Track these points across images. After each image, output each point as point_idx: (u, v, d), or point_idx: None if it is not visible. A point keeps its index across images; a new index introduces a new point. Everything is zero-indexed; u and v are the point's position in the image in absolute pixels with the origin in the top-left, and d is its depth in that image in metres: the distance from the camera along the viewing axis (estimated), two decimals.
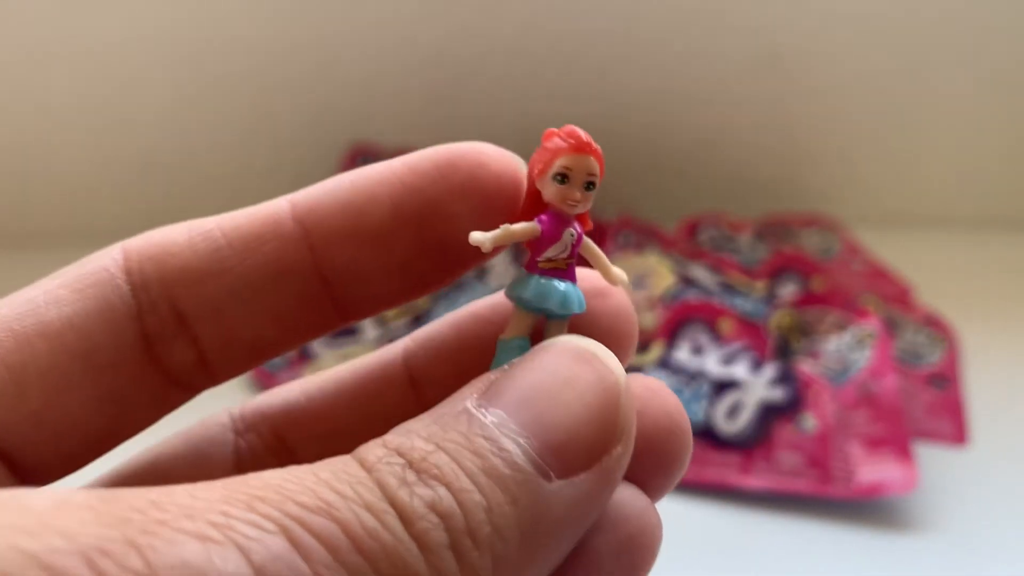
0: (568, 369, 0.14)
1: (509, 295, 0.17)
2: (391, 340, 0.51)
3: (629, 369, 0.15)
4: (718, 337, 0.48)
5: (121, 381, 0.16)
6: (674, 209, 0.61)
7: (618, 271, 0.17)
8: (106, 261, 0.16)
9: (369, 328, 0.52)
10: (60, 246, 0.61)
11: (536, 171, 0.17)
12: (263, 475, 0.13)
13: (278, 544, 0.12)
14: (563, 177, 0.16)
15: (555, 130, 0.17)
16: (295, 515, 0.12)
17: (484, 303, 0.18)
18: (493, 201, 0.17)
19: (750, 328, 0.49)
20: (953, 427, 0.47)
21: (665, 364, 0.47)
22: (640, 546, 0.15)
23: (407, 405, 0.18)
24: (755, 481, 0.43)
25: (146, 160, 0.60)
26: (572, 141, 0.16)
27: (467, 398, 0.14)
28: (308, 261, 0.16)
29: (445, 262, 0.17)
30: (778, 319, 0.50)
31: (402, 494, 0.13)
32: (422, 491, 0.13)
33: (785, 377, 0.45)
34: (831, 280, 0.55)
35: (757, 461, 0.44)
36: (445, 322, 0.18)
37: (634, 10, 0.58)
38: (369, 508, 0.12)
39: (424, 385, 0.18)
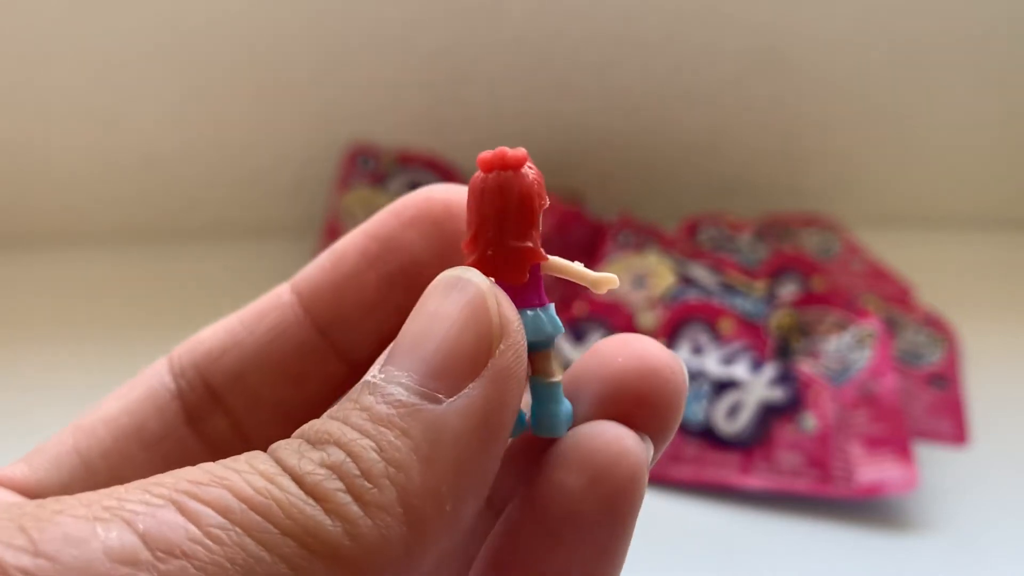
0: (436, 303, 0.15)
1: (549, 335, 0.16)
2: None
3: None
4: (718, 337, 0.48)
5: (170, 453, 0.19)
6: (674, 209, 0.61)
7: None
8: (156, 363, 0.19)
9: None
10: (60, 246, 0.61)
11: (543, 204, 0.16)
12: (174, 471, 0.13)
13: (166, 513, 0.12)
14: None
15: (508, 153, 0.16)
16: (186, 489, 0.13)
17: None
18: (442, 225, 0.18)
19: (750, 328, 0.49)
20: (953, 427, 0.47)
21: None
22: (615, 480, 0.15)
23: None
24: (755, 481, 0.43)
25: (146, 160, 0.60)
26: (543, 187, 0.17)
27: (370, 369, 0.15)
28: (303, 319, 0.19)
29: (412, 289, 0.18)
30: (778, 319, 0.50)
31: (293, 460, 0.13)
32: (312, 454, 0.14)
33: (785, 377, 0.45)
34: (831, 280, 0.55)
35: (757, 461, 0.44)
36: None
37: (634, 10, 0.58)
38: (262, 475, 0.13)
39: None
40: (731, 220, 0.60)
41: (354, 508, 0.13)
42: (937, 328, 0.52)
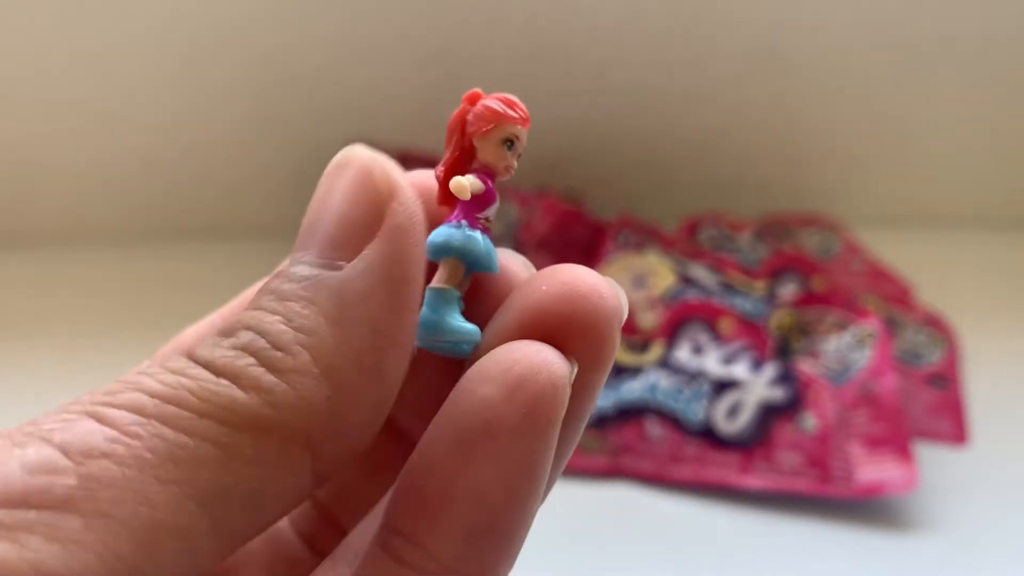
0: (326, 186, 0.15)
1: (454, 247, 0.17)
2: None
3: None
4: (718, 337, 0.48)
5: None
6: (674, 209, 0.61)
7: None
8: (142, 365, 0.19)
9: None
10: (60, 246, 0.61)
11: (477, 129, 0.17)
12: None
13: (82, 423, 0.12)
14: (510, 144, 0.17)
15: (483, 93, 0.17)
16: (99, 400, 0.13)
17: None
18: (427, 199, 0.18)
19: (750, 328, 0.49)
20: (953, 427, 0.47)
21: (665, 364, 0.47)
22: (534, 389, 0.14)
23: None
24: (755, 481, 0.43)
25: (146, 160, 0.60)
26: (522, 114, 0.17)
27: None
28: None
29: None
30: (778, 319, 0.50)
31: (204, 351, 0.14)
32: (224, 342, 0.14)
33: (785, 377, 0.45)
34: (831, 280, 0.55)
35: (757, 461, 0.44)
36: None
37: (634, 10, 0.58)
38: (172, 371, 0.13)
39: None
40: (731, 220, 0.60)
41: (268, 377, 0.13)
42: (937, 328, 0.52)
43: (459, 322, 0.16)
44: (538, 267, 0.17)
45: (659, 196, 0.63)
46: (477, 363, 0.15)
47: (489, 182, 0.17)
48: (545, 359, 0.14)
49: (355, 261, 0.14)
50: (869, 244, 0.59)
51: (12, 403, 0.49)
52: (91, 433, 0.12)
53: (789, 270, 0.55)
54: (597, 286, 0.15)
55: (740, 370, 0.46)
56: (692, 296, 0.50)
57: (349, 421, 0.14)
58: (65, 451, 0.12)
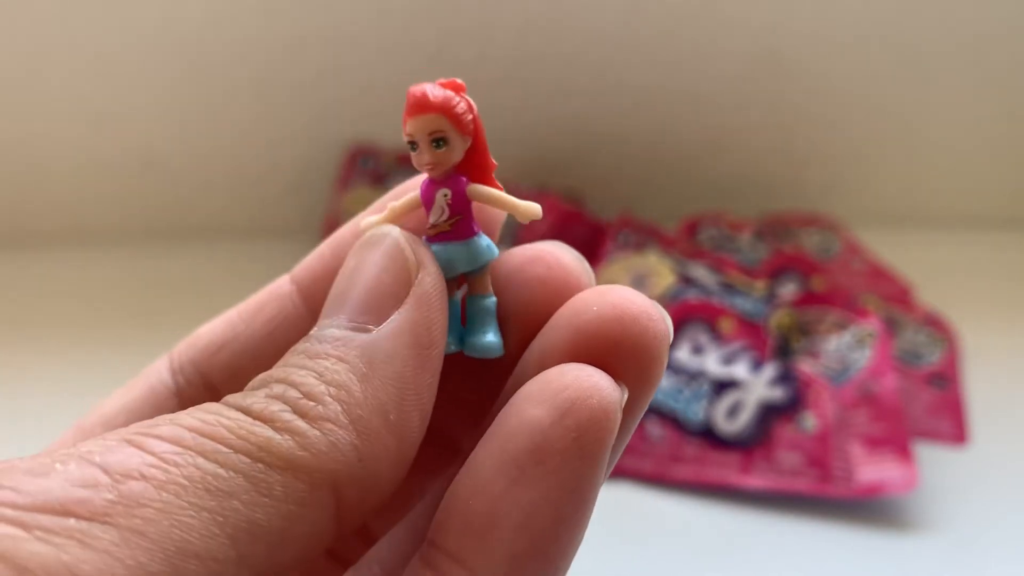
0: (356, 259, 0.16)
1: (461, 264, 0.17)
2: None
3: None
4: (718, 337, 0.48)
5: None
6: (674, 209, 0.61)
7: (527, 205, 0.17)
8: (157, 362, 0.20)
9: None
10: (60, 246, 0.61)
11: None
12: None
13: (122, 448, 0.13)
14: (412, 144, 0.16)
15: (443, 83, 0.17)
16: (139, 431, 0.13)
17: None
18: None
19: (750, 328, 0.49)
20: (953, 427, 0.47)
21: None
22: (584, 413, 0.14)
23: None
24: (755, 481, 0.43)
25: (146, 160, 0.60)
26: (407, 103, 0.16)
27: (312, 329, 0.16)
28: (302, 309, 0.19)
29: None
30: (778, 319, 0.50)
31: (238, 398, 0.14)
32: (257, 392, 0.14)
33: (785, 377, 0.45)
34: (831, 280, 0.55)
35: (757, 461, 0.44)
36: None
37: (634, 10, 0.58)
38: (208, 411, 0.14)
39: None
40: (731, 220, 0.60)
41: (301, 423, 0.14)
42: (937, 328, 0.52)
43: (495, 336, 0.17)
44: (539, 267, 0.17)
45: (659, 196, 0.63)
46: (527, 384, 0.15)
47: (423, 189, 0.17)
48: (596, 384, 0.14)
49: (383, 324, 0.15)
50: (869, 244, 0.59)
51: (12, 403, 0.49)
52: (130, 457, 0.13)
53: (789, 270, 0.55)
54: (647, 309, 0.16)
55: (740, 370, 0.46)
56: (692, 296, 0.50)
57: (374, 469, 0.14)
58: (106, 470, 0.12)
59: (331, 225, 0.57)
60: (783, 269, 0.55)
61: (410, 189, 0.18)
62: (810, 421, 0.44)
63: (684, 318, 0.49)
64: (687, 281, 0.52)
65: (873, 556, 0.40)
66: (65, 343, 0.53)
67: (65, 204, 0.61)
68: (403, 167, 0.58)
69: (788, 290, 0.54)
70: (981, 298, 0.56)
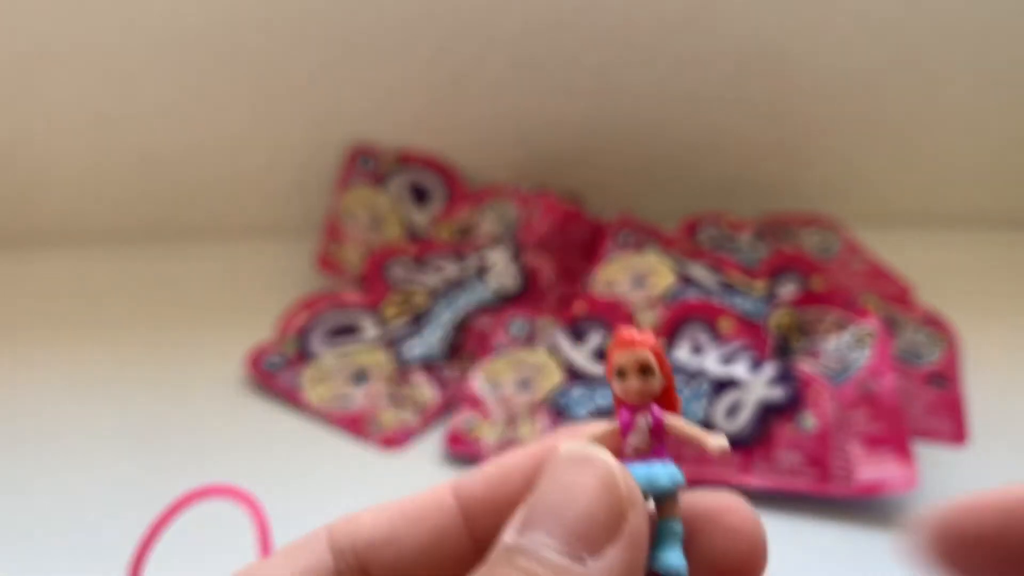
0: (570, 476, 0.17)
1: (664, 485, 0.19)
2: (391, 340, 0.51)
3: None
4: (718, 336, 0.48)
5: None
6: (674, 209, 0.61)
7: (715, 441, 0.18)
8: (315, 532, 0.20)
9: (369, 327, 0.52)
10: (60, 246, 0.61)
11: (608, 374, 0.19)
12: None
13: None
14: (621, 373, 0.18)
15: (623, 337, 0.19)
16: None
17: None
18: None
19: (750, 327, 0.49)
20: (953, 426, 0.47)
21: None
22: None
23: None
24: (755, 480, 0.43)
25: (146, 160, 0.60)
26: (618, 338, 0.19)
27: (506, 534, 0.17)
28: (463, 530, 0.20)
29: None
30: (778, 318, 0.50)
31: None
32: None
33: (785, 376, 0.45)
34: (831, 280, 0.55)
35: (757, 460, 0.44)
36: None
37: (634, 10, 0.58)
38: None
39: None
40: (731, 220, 0.60)
41: None
42: (937, 328, 0.52)
43: (683, 560, 0.18)
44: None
45: (659, 196, 0.63)
46: None
47: (624, 414, 0.19)
48: None
49: (598, 560, 0.16)
50: (869, 244, 0.59)
51: (12, 403, 0.49)
52: None
53: (789, 270, 0.55)
54: (756, 535, 0.18)
55: (740, 370, 0.46)
56: (692, 296, 0.51)
57: None
58: None
59: (331, 225, 0.57)
60: (783, 269, 0.55)
61: (589, 428, 0.19)
62: (810, 420, 0.44)
63: (684, 318, 0.49)
64: (687, 281, 0.52)
65: (873, 555, 0.40)
66: (65, 343, 0.54)
67: (65, 204, 0.61)
68: (403, 167, 0.58)
69: (788, 290, 0.54)
70: (981, 298, 0.56)
